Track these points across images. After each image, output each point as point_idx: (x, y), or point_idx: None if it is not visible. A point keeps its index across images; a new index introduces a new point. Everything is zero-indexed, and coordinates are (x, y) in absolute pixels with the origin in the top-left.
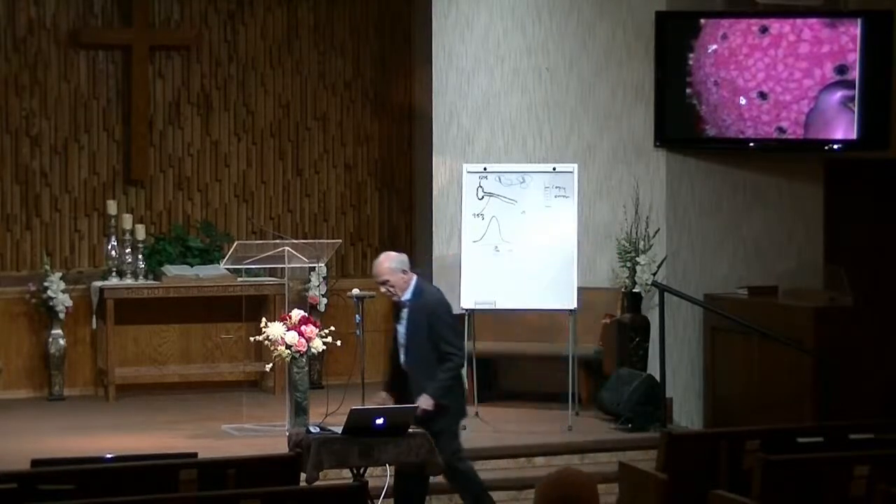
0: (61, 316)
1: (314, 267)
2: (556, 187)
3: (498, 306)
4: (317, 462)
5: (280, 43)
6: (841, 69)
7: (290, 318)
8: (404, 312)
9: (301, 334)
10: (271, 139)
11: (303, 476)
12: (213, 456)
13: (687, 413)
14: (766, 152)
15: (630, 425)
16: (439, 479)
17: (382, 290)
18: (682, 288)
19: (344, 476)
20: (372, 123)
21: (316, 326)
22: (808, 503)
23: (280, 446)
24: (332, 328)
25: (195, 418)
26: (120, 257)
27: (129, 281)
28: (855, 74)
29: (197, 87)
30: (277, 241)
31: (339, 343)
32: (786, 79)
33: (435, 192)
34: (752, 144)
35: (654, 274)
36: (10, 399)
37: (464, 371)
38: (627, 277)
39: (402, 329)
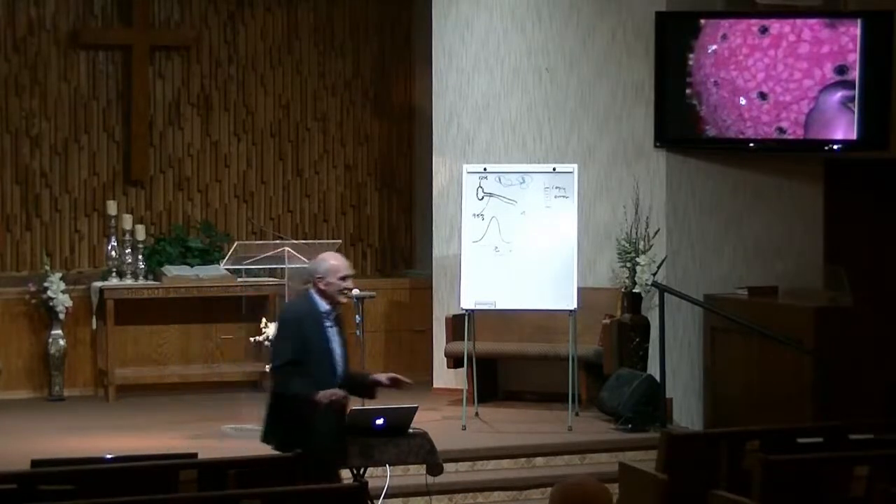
0: (61, 316)
1: None
2: (556, 188)
3: (498, 306)
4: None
5: (280, 43)
6: (841, 69)
7: None
8: (334, 320)
9: None
10: (271, 139)
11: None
12: (213, 456)
13: (687, 413)
14: (766, 152)
15: (630, 425)
16: (440, 479)
17: (349, 292)
18: (682, 288)
19: (344, 476)
20: (372, 123)
21: None
22: (808, 503)
23: None
24: None
25: (195, 418)
26: (120, 258)
27: (129, 281)
28: (855, 74)
29: (197, 88)
30: (277, 241)
31: None
32: (786, 79)
33: (435, 192)
34: (752, 144)
35: (654, 274)
36: (10, 399)
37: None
38: (627, 277)
39: (336, 336)
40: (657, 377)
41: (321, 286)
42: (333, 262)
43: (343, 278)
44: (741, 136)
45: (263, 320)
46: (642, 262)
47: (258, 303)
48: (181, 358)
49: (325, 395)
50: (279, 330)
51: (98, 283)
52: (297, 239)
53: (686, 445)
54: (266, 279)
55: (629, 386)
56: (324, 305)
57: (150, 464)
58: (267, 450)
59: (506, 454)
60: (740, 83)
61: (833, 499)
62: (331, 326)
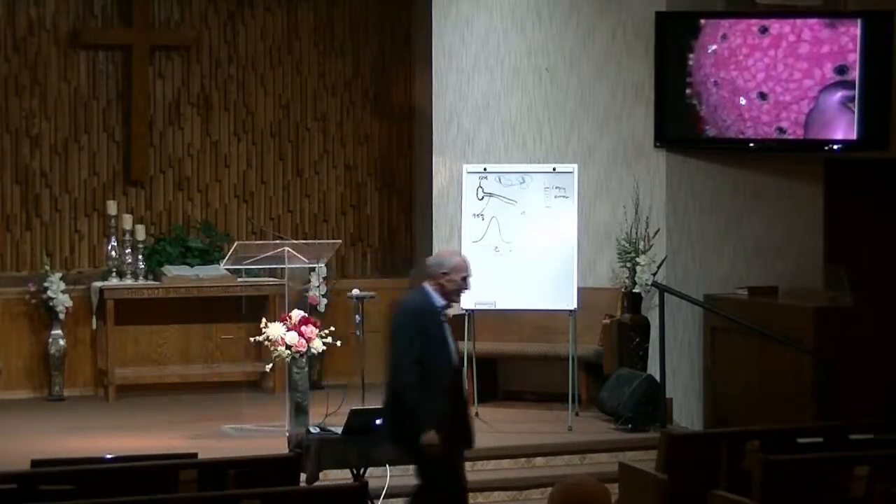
0: (61, 316)
1: (314, 267)
2: (556, 188)
3: (498, 306)
4: (317, 462)
5: (280, 43)
6: (841, 69)
7: (290, 318)
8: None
9: (301, 335)
10: (271, 139)
11: (303, 476)
12: (213, 456)
13: (687, 413)
14: (766, 152)
15: (630, 425)
16: None
17: (468, 289)
18: (682, 288)
19: (344, 476)
20: (372, 123)
21: (316, 327)
22: (808, 503)
23: (280, 446)
24: (332, 328)
25: (195, 418)
26: (120, 258)
27: (129, 281)
28: (855, 74)
29: (197, 88)
30: (277, 241)
31: (339, 343)
32: (786, 79)
33: (435, 192)
34: (752, 144)
35: (654, 274)
36: (10, 399)
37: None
38: (627, 277)
39: (449, 332)
40: (657, 377)
41: (443, 282)
42: (459, 260)
43: (464, 278)
44: (741, 136)
45: (263, 320)
46: (642, 262)
47: (258, 303)
48: (181, 358)
49: (429, 439)
50: (401, 326)
51: (98, 283)
52: (297, 239)
53: (686, 445)
54: (266, 279)
55: (629, 386)
56: (439, 301)
57: (150, 464)
58: (266, 449)
59: (506, 454)
60: (740, 83)
61: (833, 499)
62: (444, 322)
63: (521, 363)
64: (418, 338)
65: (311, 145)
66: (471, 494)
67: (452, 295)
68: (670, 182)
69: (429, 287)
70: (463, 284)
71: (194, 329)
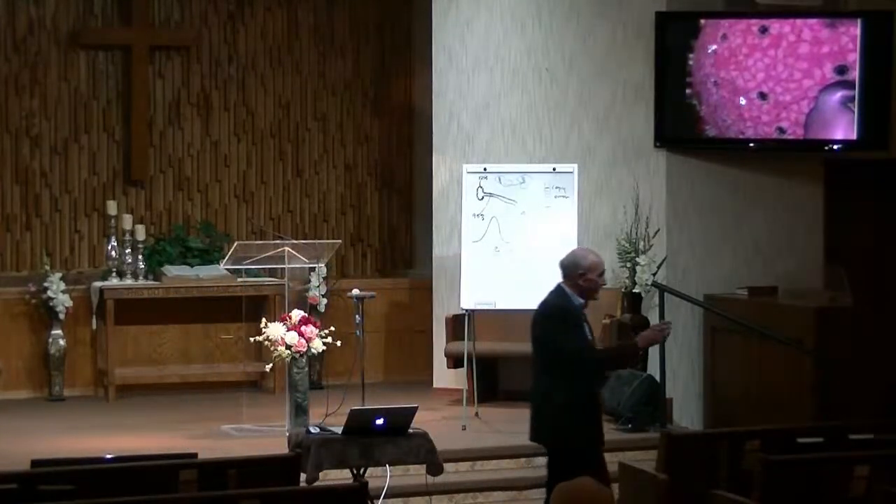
0: (61, 316)
1: (314, 267)
2: (556, 187)
3: (498, 307)
4: (317, 462)
5: (280, 43)
6: (841, 69)
7: (290, 318)
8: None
9: (301, 335)
10: (271, 139)
11: (303, 476)
12: (213, 456)
13: (687, 413)
14: (766, 152)
15: (630, 425)
16: (440, 479)
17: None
18: (682, 288)
19: (344, 476)
20: (372, 123)
21: (316, 327)
22: (808, 503)
23: (280, 446)
24: (332, 328)
25: (195, 418)
26: (120, 258)
27: (129, 281)
28: (855, 74)
29: (197, 87)
30: (277, 241)
31: (339, 343)
32: (786, 79)
33: (435, 192)
34: (752, 144)
35: (654, 274)
36: (10, 399)
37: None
38: (627, 278)
39: (590, 332)
40: (657, 377)
41: (580, 281)
42: (594, 258)
43: (600, 275)
44: (741, 136)
45: (263, 320)
46: (642, 262)
47: (258, 303)
48: (181, 358)
49: (646, 337)
50: (552, 323)
51: (98, 283)
52: (297, 239)
53: (686, 445)
54: (266, 279)
55: (629, 386)
56: (577, 300)
57: (150, 464)
58: (266, 449)
59: (506, 454)
60: (740, 83)
61: (833, 499)
62: (585, 321)
63: (521, 363)
64: (565, 329)
65: (311, 145)
66: (471, 494)
67: (590, 293)
68: (670, 182)
69: (566, 287)
70: (600, 281)
71: (194, 329)
